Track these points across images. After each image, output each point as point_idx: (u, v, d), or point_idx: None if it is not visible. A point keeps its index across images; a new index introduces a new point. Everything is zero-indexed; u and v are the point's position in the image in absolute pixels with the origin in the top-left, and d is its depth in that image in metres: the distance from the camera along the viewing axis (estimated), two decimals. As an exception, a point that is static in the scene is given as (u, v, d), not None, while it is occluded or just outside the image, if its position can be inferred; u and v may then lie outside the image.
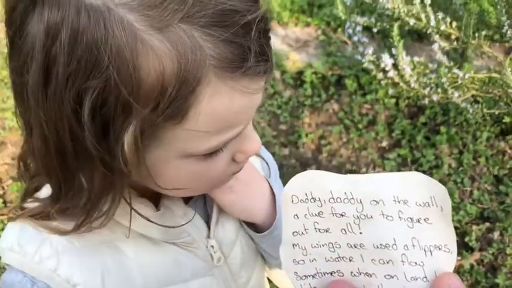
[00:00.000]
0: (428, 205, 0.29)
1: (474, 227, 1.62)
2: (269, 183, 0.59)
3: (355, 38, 1.69)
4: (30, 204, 0.49)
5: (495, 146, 1.83)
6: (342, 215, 0.30)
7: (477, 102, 1.73)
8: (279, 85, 2.11)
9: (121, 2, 0.34)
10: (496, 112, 1.55)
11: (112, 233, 0.49)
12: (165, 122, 0.38)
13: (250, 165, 0.58)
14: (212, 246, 0.55)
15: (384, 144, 1.92)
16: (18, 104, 0.42)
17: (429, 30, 1.47)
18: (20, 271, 0.47)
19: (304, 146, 1.95)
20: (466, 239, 1.59)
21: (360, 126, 1.96)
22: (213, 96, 0.37)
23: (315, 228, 0.30)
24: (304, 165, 1.89)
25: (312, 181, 0.30)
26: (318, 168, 1.86)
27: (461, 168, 1.77)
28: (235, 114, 0.40)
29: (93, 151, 0.38)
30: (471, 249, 1.57)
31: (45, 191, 0.50)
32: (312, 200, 0.30)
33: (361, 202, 0.30)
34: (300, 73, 2.14)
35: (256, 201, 0.57)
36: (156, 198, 0.51)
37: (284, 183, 0.82)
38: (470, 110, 1.58)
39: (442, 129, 1.87)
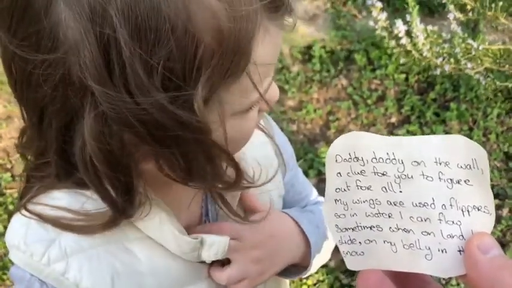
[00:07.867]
0: (470, 167, 0.30)
1: (482, 203, 1.63)
2: (296, 222, 0.61)
3: (369, 2, 1.66)
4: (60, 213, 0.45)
5: (505, 123, 1.82)
6: (384, 174, 0.30)
7: (489, 77, 1.71)
8: (287, 59, 2.09)
9: None
10: (510, 85, 1.54)
11: (124, 234, 0.47)
12: (228, 78, 0.36)
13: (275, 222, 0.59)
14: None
15: (393, 120, 1.91)
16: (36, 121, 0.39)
17: (444, 0, 1.45)
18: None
19: (313, 122, 1.94)
20: (474, 215, 1.60)
21: (369, 101, 1.95)
22: (264, 39, 0.37)
23: (357, 186, 0.31)
24: (312, 142, 1.89)
25: (355, 142, 0.31)
26: (326, 144, 1.86)
27: (470, 145, 1.77)
28: (274, 56, 0.40)
29: (173, 125, 0.35)
30: (479, 225, 1.58)
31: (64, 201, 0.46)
32: (355, 159, 0.31)
33: (402, 163, 0.30)
34: (309, 47, 2.11)
35: (286, 257, 0.60)
36: None
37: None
38: (483, 82, 1.56)
39: (452, 105, 1.86)
